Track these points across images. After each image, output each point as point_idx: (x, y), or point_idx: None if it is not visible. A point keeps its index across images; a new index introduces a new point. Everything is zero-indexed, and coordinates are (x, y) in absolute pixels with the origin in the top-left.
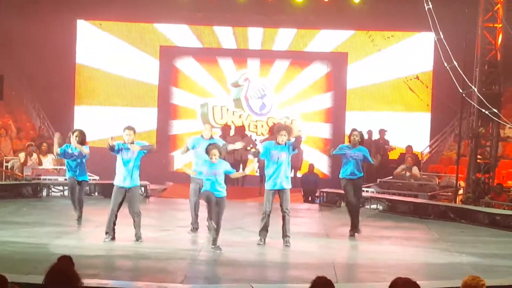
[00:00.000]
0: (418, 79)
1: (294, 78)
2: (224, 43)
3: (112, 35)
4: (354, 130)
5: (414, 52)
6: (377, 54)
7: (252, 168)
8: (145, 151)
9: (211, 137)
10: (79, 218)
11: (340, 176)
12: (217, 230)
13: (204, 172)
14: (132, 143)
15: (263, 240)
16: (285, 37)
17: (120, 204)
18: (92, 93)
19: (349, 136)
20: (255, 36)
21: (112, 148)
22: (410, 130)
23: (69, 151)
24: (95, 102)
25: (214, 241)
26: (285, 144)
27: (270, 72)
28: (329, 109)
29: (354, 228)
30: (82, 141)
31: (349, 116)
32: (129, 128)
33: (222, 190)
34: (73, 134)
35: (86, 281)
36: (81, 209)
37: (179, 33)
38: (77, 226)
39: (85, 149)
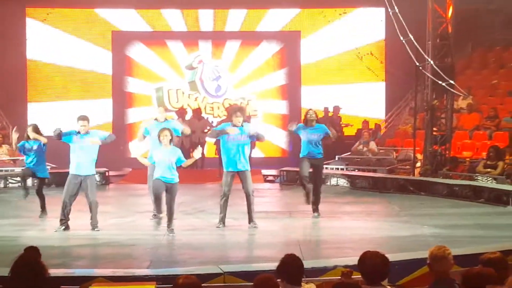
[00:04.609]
0: (372, 55)
1: (248, 57)
2: (174, 27)
3: (59, 28)
4: (309, 109)
5: (365, 26)
6: (328, 28)
7: (200, 152)
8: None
9: (166, 120)
10: (42, 210)
11: (300, 156)
12: (170, 215)
13: (157, 158)
14: (87, 133)
15: (222, 223)
16: (236, 18)
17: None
18: (44, 89)
19: (305, 116)
20: (206, 18)
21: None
22: (366, 102)
23: (27, 146)
24: (47, 98)
25: (169, 224)
26: (242, 127)
27: (223, 53)
28: (284, 85)
29: (314, 205)
30: (37, 134)
31: (304, 91)
32: (83, 118)
33: (174, 176)
34: (27, 130)
35: (52, 271)
36: (41, 202)
37: (126, 18)
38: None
39: (43, 138)
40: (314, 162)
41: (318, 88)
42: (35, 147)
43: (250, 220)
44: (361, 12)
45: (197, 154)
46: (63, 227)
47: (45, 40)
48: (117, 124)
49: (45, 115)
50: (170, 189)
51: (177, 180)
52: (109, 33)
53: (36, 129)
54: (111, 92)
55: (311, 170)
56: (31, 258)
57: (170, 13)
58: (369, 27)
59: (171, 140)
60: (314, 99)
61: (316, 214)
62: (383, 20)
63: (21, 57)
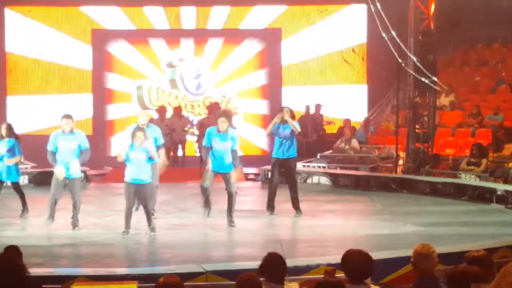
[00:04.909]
0: (354, 52)
1: (229, 56)
2: (156, 24)
3: (41, 22)
4: (284, 107)
5: (347, 25)
6: (311, 28)
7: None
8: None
9: (148, 125)
10: (23, 209)
11: (272, 155)
12: (148, 215)
13: (131, 157)
14: (72, 132)
15: (207, 210)
16: (218, 15)
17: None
18: (24, 82)
19: (280, 113)
20: (188, 16)
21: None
22: (347, 104)
23: None
24: (27, 91)
25: (149, 223)
26: (226, 133)
27: (204, 51)
28: (265, 85)
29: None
30: (10, 134)
31: (285, 91)
32: (67, 116)
33: (146, 176)
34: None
35: (33, 270)
36: (22, 200)
37: (109, 16)
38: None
39: (17, 158)
40: (287, 163)
41: (300, 89)
42: (6, 148)
43: (229, 219)
44: (344, 10)
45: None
46: (52, 219)
47: (25, 33)
48: (97, 120)
49: (24, 109)
50: (142, 190)
51: (149, 180)
52: (91, 28)
53: (9, 131)
54: (91, 88)
55: (283, 169)
56: (11, 257)
57: (153, 11)
58: (351, 25)
59: (144, 140)
60: (295, 99)
61: (297, 212)
62: (365, 19)
63: (0, 50)
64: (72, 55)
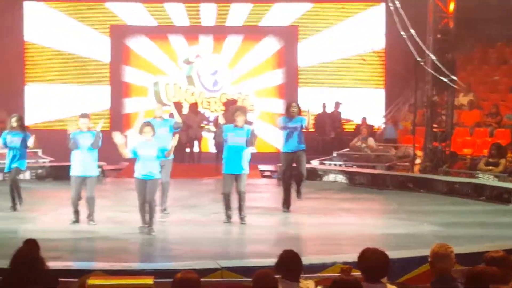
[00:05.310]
0: (373, 51)
1: (247, 54)
2: (176, 20)
3: (61, 12)
4: (292, 102)
5: (365, 28)
6: (331, 30)
7: (176, 140)
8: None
9: (164, 119)
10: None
11: (281, 150)
12: (151, 213)
13: (140, 152)
14: (89, 130)
15: (228, 219)
16: (238, 13)
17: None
18: (42, 71)
19: (288, 108)
20: (207, 12)
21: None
22: (364, 107)
23: (9, 138)
24: (46, 80)
25: (150, 223)
26: (242, 128)
27: (223, 48)
28: (281, 85)
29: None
30: (21, 126)
31: (303, 92)
32: (84, 116)
33: (155, 171)
34: (11, 120)
35: (50, 264)
36: (17, 192)
37: (131, 11)
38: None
39: (30, 142)
40: (296, 154)
41: (317, 90)
42: (17, 139)
43: (240, 216)
44: (362, 13)
45: (173, 141)
46: (75, 220)
47: (44, 22)
48: (115, 113)
49: (42, 97)
50: (150, 185)
51: (158, 176)
52: (111, 22)
53: (21, 121)
54: (109, 81)
55: (294, 165)
56: (30, 250)
57: (173, 7)
58: (370, 28)
59: (153, 135)
60: (312, 100)
61: (298, 196)
62: (383, 20)
63: (19, 38)
64: (91, 46)
